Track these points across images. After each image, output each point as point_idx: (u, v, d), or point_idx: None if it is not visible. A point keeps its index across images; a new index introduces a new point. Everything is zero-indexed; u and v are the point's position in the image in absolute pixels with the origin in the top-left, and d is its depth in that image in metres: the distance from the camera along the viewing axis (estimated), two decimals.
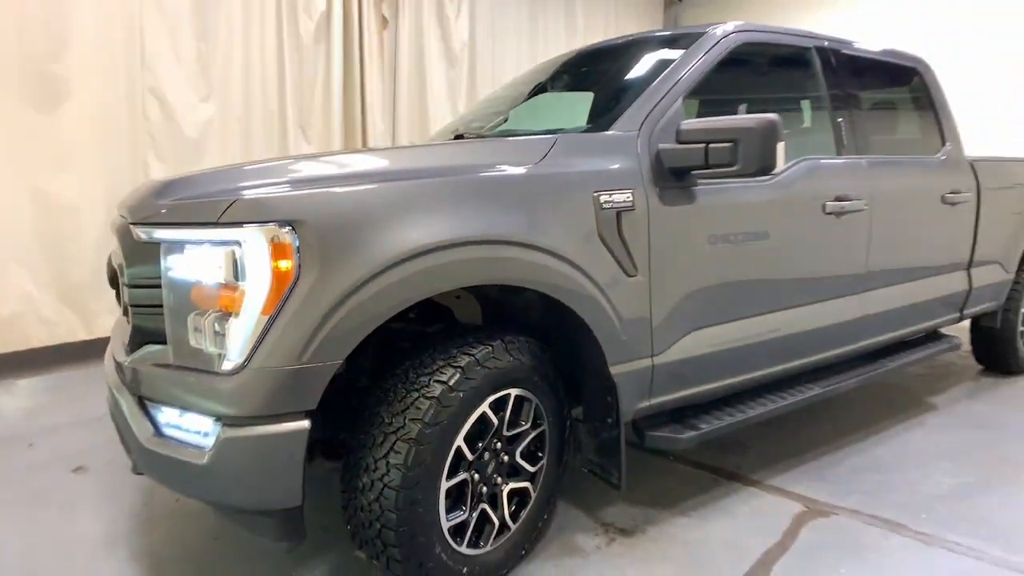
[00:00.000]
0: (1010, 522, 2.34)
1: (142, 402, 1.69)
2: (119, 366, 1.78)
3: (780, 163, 1.96)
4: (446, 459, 1.68)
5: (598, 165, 1.97)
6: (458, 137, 2.70)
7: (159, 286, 1.62)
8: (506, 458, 1.91)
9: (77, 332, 3.99)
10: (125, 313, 2.04)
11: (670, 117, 2.12)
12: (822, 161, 2.58)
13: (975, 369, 4.09)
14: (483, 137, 2.60)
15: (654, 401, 2.16)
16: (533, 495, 1.99)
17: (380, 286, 1.56)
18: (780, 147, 1.93)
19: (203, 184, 1.65)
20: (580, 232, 1.89)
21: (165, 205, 1.62)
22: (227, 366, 1.52)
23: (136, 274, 1.69)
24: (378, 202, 1.61)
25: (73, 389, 3.67)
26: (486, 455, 1.83)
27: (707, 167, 1.99)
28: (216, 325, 1.54)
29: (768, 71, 2.72)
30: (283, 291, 1.50)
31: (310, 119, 4.91)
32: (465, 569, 1.78)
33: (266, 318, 1.50)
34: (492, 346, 1.78)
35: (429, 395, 1.63)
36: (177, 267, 1.58)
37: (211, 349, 1.55)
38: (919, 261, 3.05)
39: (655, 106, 2.13)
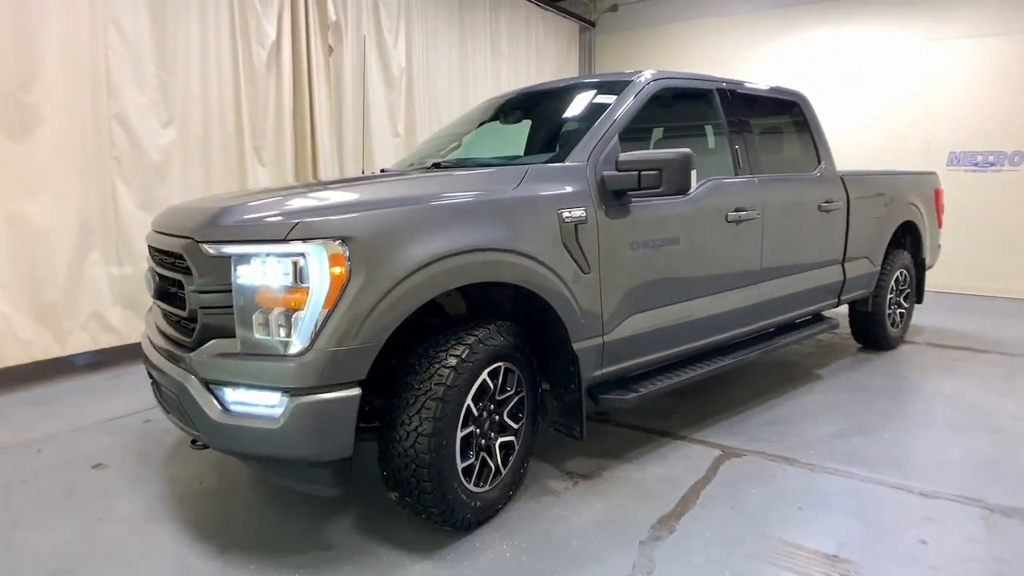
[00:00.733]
0: (874, 453, 3.08)
1: (208, 386, 2.10)
2: (180, 359, 2.18)
3: (693, 184, 2.61)
4: (460, 414, 2.19)
5: (559, 188, 2.55)
6: (436, 165, 3.20)
7: (227, 291, 2.05)
8: (497, 417, 2.43)
9: (51, 349, 4.16)
10: (166, 317, 2.43)
11: (610, 150, 2.73)
12: (724, 180, 3.27)
13: (855, 347, 4.96)
14: (462, 167, 3.11)
15: (605, 371, 2.75)
16: (517, 447, 2.52)
17: (410, 285, 2.07)
18: (693, 173, 2.58)
19: (259, 209, 2.10)
20: (549, 240, 2.45)
21: (231, 226, 2.06)
22: (294, 350, 1.98)
23: (205, 283, 2.09)
24: (406, 221, 2.12)
25: (57, 401, 3.88)
26: (484, 414, 2.35)
27: (640, 189, 2.61)
28: (281, 319, 1.99)
29: (680, 108, 3.40)
30: (338, 291, 1.98)
31: (263, 142, 5.24)
32: (474, 503, 2.30)
33: (326, 312, 1.97)
34: (489, 329, 2.31)
35: (448, 365, 2.14)
36: (246, 275, 2.02)
37: (277, 338, 2.00)
38: (802, 258, 3.82)
39: (598, 142, 2.73)
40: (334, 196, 2.28)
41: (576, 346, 2.56)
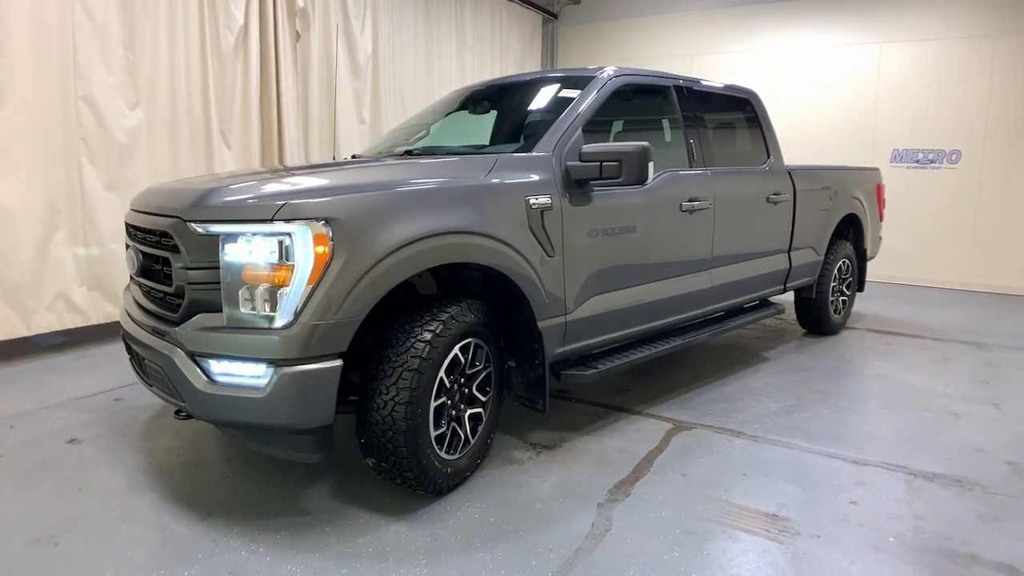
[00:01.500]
0: (813, 427, 3.35)
1: (194, 358, 2.21)
2: (165, 333, 2.28)
3: (650, 176, 2.81)
4: (434, 386, 2.35)
5: (527, 177, 2.71)
6: (407, 153, 3.34)
7: (214, 268, 2.16)
8: (467, 390, 2.60)
9: (17, 329, 4.16)
10: (147, 295, 2.53)
11: (574, 142, 2.91)
12: (679, 172, 3.49)
13: (800, 332, 5.29)
14: (433, 154, 3.25)
15: (567, 348, 2.94)
16: (484, 418, 2.69)
17: (389, 264, 2.21)
18: (651, 165, 2.78)
19: (246, 191, 2.22)
20: (517, 225, 2.62)
21: (219, 206, 2.17)
22: (279, 323, 2.10)
23: (192, 260, 2.19)
24: (385, 204, 2.26)
25: (25, 380, 3.89)
26: (455, 386, 2.52)
27: (601, 178, 2.80)
28: (267, 295, 2.12)
29: (639, 103, 3.60)
30: (322, 268, 2.11)
31: (230, 125, 5.26)
32: (446, 469, 2.47)
33: (310, 287, 2.10)
34: (460, 307, 2.47)
35: (423, 340, 2.30)
36: (233, 253, 2.13)
37: (262, 312, 2.13)
38: (751, 246, 4.08)
39: (563, 133, 2.91)
40: (316, 180, 2.40)
41: (541, 325, 2.74)
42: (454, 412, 2.53)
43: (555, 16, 9.36)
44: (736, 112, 4.23)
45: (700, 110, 3.75)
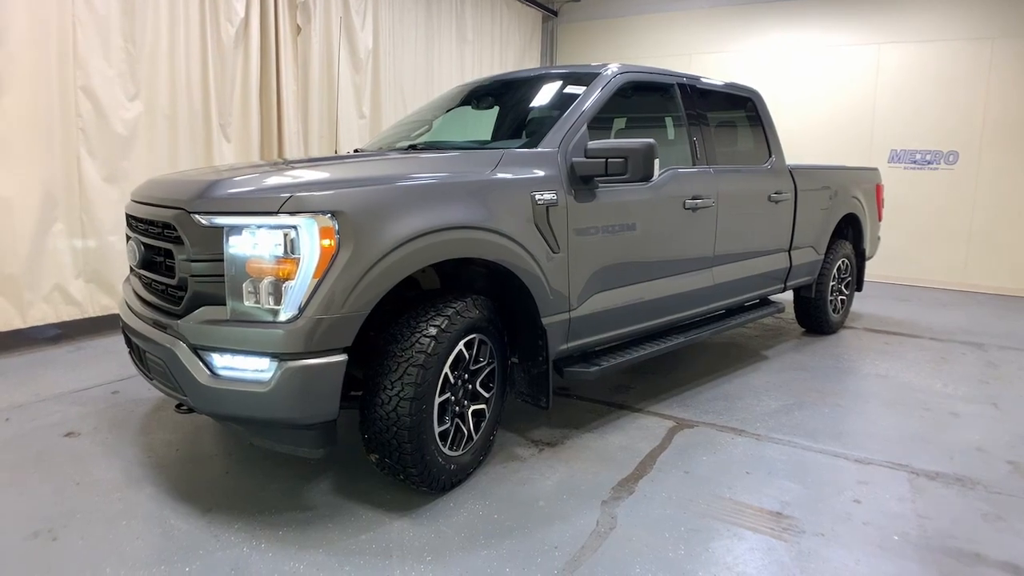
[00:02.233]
0: (814, 425, 3.35)
1: (197, 351, 2.19)
2: (167, 326, 2.26)
3: (656, 173, 2.79)
4: (439, 381, 2.34)
5: (533, 172, 2.70)
6: (411, 147, 3.31)
7: (218, 260, 2.14)
8: (470, 386, 2.58)
9: (12, 321, 4.12)
10: (148, 287, 2.50)
11: (579, 138, 2.89)
12: (682, 170, 3.48)
13: (799, 331, 5.29)
14: (437, 149, 3.22)
15: (571, 344, 2.93)
16: (487, 414, 2.68)
17: (395, 258, 2.19)
18: (656, 162, 2.77)
19: (252, 183, 2.19)
20: (522, 221, 2.61)
21: (224, 198, 2.15)
22: (284, 317, 2.08)
23: (195, 252, 2.17)
24: (391, 198, 2.24)
25: (20, 373, 3.85)
26: (459, 382, 2.50)
27: (607, 175, 2.79)
28: (271, 288, 2.10)
29: (643, 101, 3.58)
30: (327, 262, 2.09)
31: (229, 118, 5.22)
32: (449, 465, 2.45)
33: (316, 281, 2.08)
34: (465, 302, 2.46)
35: (428, 335, 2.28)
36: (238, 246, 2.11)
37: (267, 306, 2.10)
38: (753, 245, 4.07)
39: (569, 130, 2.89)
40: (321, 173, 2.38)
41: (545, 321, 2.73)
42: (457, 408, 2.51)
43: (555, 13, 9.33)
44: (738, 111, 4.22)
45: (703, 108, 3.74)
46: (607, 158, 2.76)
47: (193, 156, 4.99)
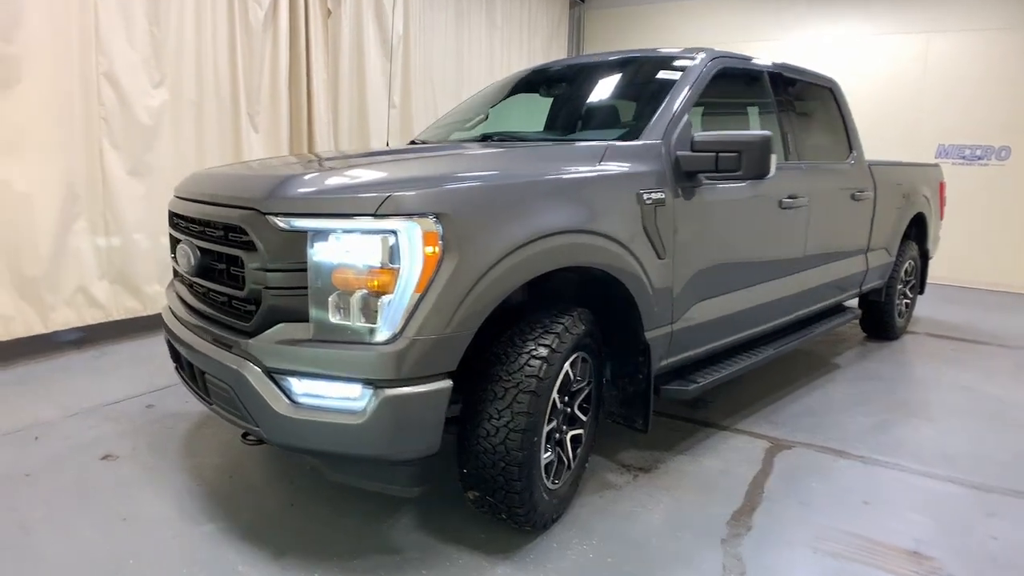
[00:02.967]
0: (916, 445, 3.07)
1: (272, 376, 1.88)
2: (233, 344, 1.94)
3: (772, 170, 2.48)
4: (548, 408, 2.03)
5: (638, 168, 2.39)
6: (485, 138, 2.99)
7: (300, 270, 1.83)
8: (569, 410, 2.28)
9: (34, 326, 3.80)
10: (204, 297, 2.18)
11: (683, 129, 2.58)
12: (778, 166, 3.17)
13: (861, 336, 5.00)
14: (518, 140, 2.90)
15: (670, 360, 2.63)
16: (583, 440, 2.39)
17: (505, 267, 1.89)
18: (773, 158, 2.45)
19: (341, 179, 1.88)
20: (631, 223, 2.30)
21: (308, 197, 1.83)
22: (381, 337, 1.78)
23: (272, 260, 1.86)
24: (499, 197, 1.93)
25: (44, 383, 3.54)
26: (563, 406, 2.20)
27: (717, 171, 2.47)
28: (365, 303, 1.79)
29: (733, 89, 3.27)
30: (431, 273, 1.78)
31: (257, 107, 4.89)
32: (552, 500, 2.15)
33: (417, 296, 1.77)
34: (572, 316, 2.15)
35: (539, 356, 1.98)
36: (325, 253, 1.80)
37: (360, 324, 1.80)
38: (836, 247, 3.77)
39: (671, 120, 2.58)
40: (412, 168, 2.07)
41: (648, 335, 2.43)
42: (557, 435, 2.21)
43: (582, 0, 8.99)
44: (819, 101, 3.91)
45: (791, 98, 3.44)
46: (718, 152, 2.45)
47: (221, 149, 4.66)
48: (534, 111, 3.59)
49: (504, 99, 3.62)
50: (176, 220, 2.40)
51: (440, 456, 1.96)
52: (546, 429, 2.06)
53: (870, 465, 2.86)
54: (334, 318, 1.81)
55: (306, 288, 1.82)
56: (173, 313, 2.44)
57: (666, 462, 2.80)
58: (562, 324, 2.09)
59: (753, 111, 3.41)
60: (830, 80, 3.98)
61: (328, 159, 2.51)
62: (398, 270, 1.77)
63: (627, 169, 2.35)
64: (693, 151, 2.51)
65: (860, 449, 3.00)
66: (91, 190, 4.00)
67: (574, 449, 2.34)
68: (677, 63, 2.91)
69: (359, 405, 1.80)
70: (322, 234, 1.80)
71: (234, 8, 4.64)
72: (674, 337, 2.58)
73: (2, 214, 3.60)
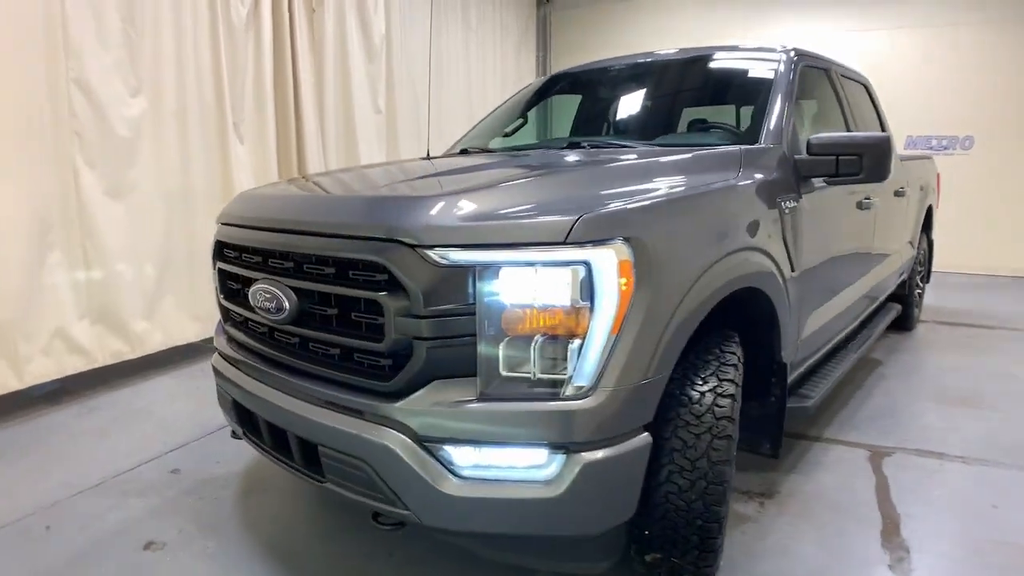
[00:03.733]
0: (1005, 442, 3.00)
1: (425, 445, 1.54)
2: (365, 410, 1.59)
3: (892, 172, 2.32)
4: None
5: (772, 174, 2.17)
6: (573, 145, 2.69)
7: (463, 314, 1.50)
8: None
9: (8, 381, 3.22)
10: (302, 351, 1.81)
11: (793, 132, 2.39)
12: None
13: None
14: (617, 147, 2.60)
15: (792, 376, 2.43)
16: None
17: (696, 297, 1.62)
18: (893, 159, 2.29)
19: (514, 199, 1.57)
20: (776, 235, 2.08)
21: (477, 225, 1.51)
22: (574, 390, 1.48)
23: (429, 303, 1.51)
24: (682, 214, 1.67)
25: (30, 450, 2.98)
26: None
27: (837, 175, 2.29)
28: (552, 350, 1.49)
29: (812, 88, 3.08)
30: (625, 308, 1.49)
31: (242, 115, 4.40)
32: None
33: (614, 337, 1.48)
34: (735, 343, 1.91)
35: (726, 394, 1.72)
36: (499, 292, 1.48)
37: (544, 375, 1.49)
38: (890, 244, 3.70)
39: (783, 121, 2.38)
40: (565, 184, 1.76)
41: (784, 353, 2.22)
42: None
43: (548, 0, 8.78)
44: (859, 97, 3.83)
45: (849, 95, 3.32)
46: (838, 154, 2.26)
47: (207, 164, 4.15)
48: (575, 113, 3.34)
49: (537, 103, 3.35)
50: (241, 254, 2.00)
51: None
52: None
53: (973, 466, 2.78)
54: (510, 370, 1.49)
55: (472, 336, 1.50)
56: (237, 366, 2.04)
57: (781, 484, 2.61)
58: (734, 354, 1.84)
59: (826, 109, 3.25)
60: (862, 76, 3.91)
61: (427, 174, 2.16)
62: (590, 308, 1.48)
63: (768, 176, 2.13)
64: (811, 155, 2.31)
65: (952, 449, 2.92)
66: (65, 216, 3.44)
67: None
68: (763, 62, 2.72)
69: (547, 474, 1.49)
70: (494, 268, 1.48)
71: (216, 6, 4.14)
72: (799, 352, 2.38)
73: None
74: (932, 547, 2.17)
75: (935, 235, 5.31)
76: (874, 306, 3.63)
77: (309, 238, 1.73)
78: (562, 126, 3.21)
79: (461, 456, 1.53)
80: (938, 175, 5.34)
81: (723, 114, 2.76)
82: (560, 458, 1.49)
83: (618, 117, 3.02)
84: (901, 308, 4.26)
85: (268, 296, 1.82)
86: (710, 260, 1.68)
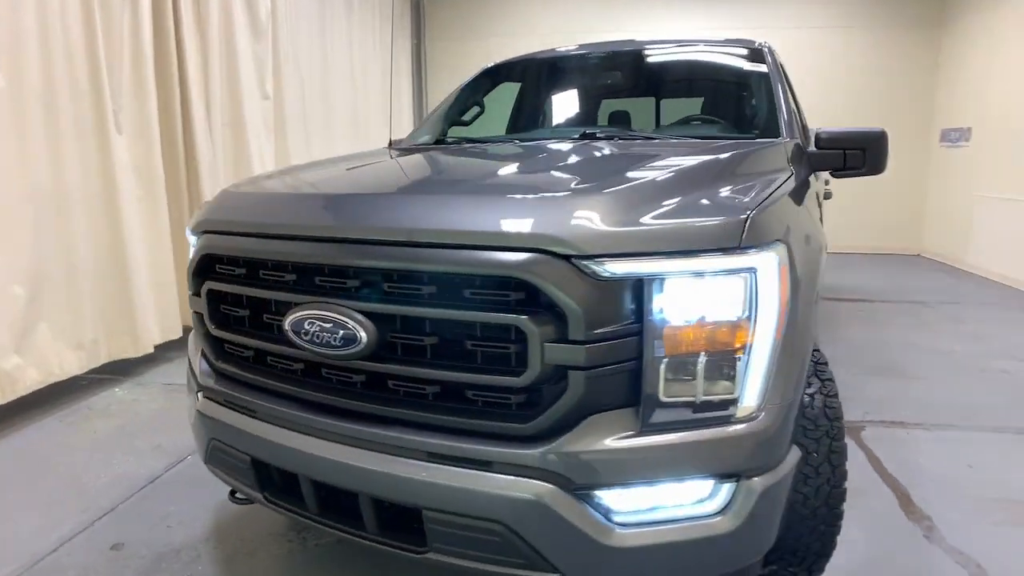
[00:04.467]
0: (944, 403, 3.33)
1: (576, 492, 1.32)
2: (496, 461, 1.33)
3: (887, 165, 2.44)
4: None
5: (804, 169, 2.18)
6: (585, 136, 2.50)
7: (625, 335, 1.30)
8: None
9: None
10: (379, 392, 1.49)
11: (800, 127, 2.44)
12: None
13: None
14: (630, 138, 2.46)
15: None
16: None
17: (816, 298, 1.56)
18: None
19: (672, 196, 1.39)
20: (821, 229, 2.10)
21: (641, 231, 1.31)
22: (745, 410, 1.35)
23: (589, 325, 1.26)
24: (798, 215, 1.59)
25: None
26: None
27: (844, 168, 2.36)
28: (719, 367, 1.34)
29: None
30: (784, 318, 1.39)
31: (121, 101, 3.67)
32: None
33: (777, 351, 1.37)
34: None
35: (832, 393, 1.67)
36: (666, 307, 1.30)
37: (710, 397, 1.34)
38: None
39: (794, 115, 2.41)
40: (683, 179, 1.60)
41: None
42: None
43: None
44: None
45: None
46: (844, 148, 2.33)
47: (83, 158, 3.40)
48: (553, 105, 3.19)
49: (489, 91, 3.17)
50: (257, 270, 1.61)
51: None
52: None
53: (931, 431, 3.07)
54: (671, 396, 1.33)
55: (634, 360, 1.30)
56: (254, 415, 1.64)
57: None
58: (819, 350, 1.81)
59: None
60: None
61: (520, 167, 1.88)
62: (753, 319, 1.35)
63: (807, 171, 2.14)
64: (819, 148, 2.36)
65: (911, 417, 3.20)
66: None
67: None
68: (750, 55, 2.74)
69: (714, 507, 1.35)
70: (660, 280, 1.30)
71: None
72: None
73: None
74: (946, 514, 2.34)
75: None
76: None
77: (398, 249, 1.40)
78: (534, 118, 3.02)
79: (618, 501, 1.34)
80: None
81: (717, 106, 2.75)
82: (726, 487, 1.35)
83: (606, 110, 2.91)
84: None
85: (327, 325, 1.46)
86: (818, 259, 1.64)
